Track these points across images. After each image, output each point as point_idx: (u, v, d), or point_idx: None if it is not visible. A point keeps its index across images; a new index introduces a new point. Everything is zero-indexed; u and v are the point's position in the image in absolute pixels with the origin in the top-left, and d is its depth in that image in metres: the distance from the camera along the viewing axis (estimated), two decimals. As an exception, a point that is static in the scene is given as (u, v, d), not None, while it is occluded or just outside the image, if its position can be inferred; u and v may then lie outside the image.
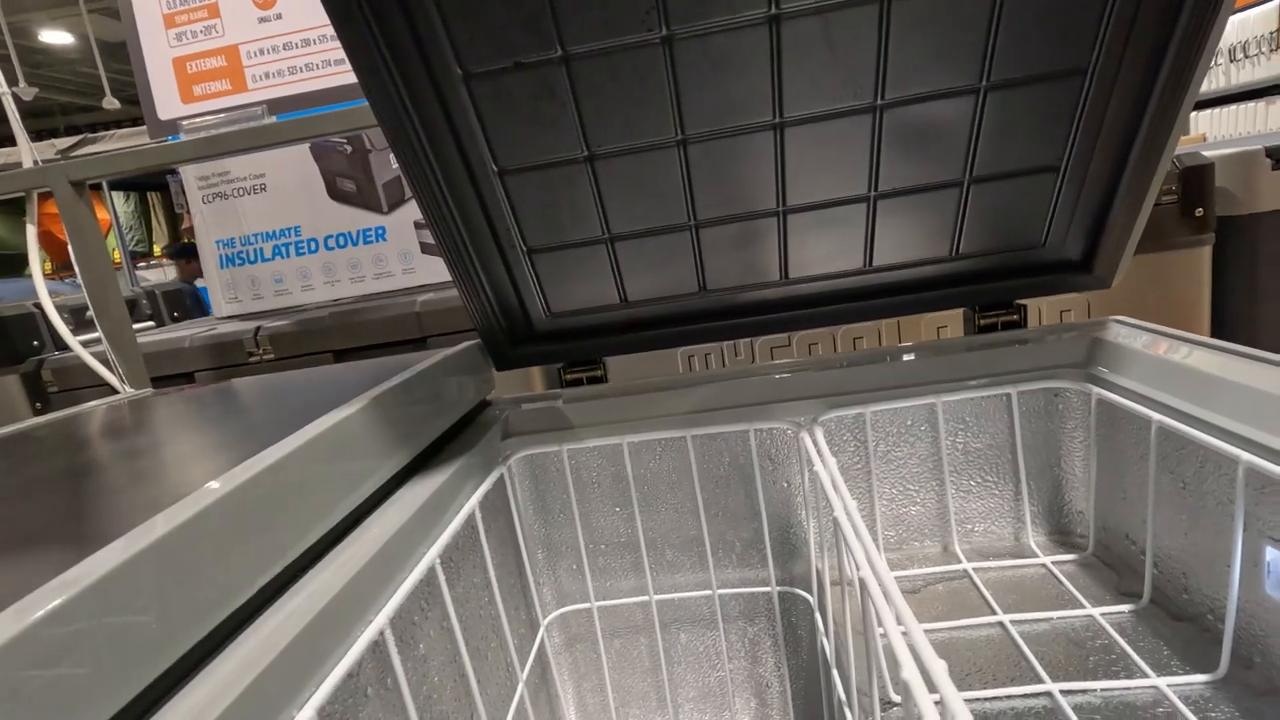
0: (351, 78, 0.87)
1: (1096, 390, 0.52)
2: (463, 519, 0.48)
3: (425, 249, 1.47)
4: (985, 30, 0.45)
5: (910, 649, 0.26)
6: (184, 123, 0.86)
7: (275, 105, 0.85)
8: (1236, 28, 4.10)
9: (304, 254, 1.49)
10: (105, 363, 0.98)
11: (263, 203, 1.45)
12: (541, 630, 0.61)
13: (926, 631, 0.50)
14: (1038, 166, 0.52)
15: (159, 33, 0.83)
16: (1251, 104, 4.13)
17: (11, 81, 0.89)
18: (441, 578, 0.43)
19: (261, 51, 0.82)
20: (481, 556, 0.52)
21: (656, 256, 0.58)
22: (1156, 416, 0.45)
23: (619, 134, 0.50)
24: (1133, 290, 1.02)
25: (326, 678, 0.31)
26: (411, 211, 1.45)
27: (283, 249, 1.49)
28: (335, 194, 1.45)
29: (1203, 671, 0.41)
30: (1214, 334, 1.06)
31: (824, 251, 0.58)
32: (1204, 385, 0.43)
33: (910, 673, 0.24)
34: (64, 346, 1.47)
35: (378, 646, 0.36)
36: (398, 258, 1.48)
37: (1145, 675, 0.41)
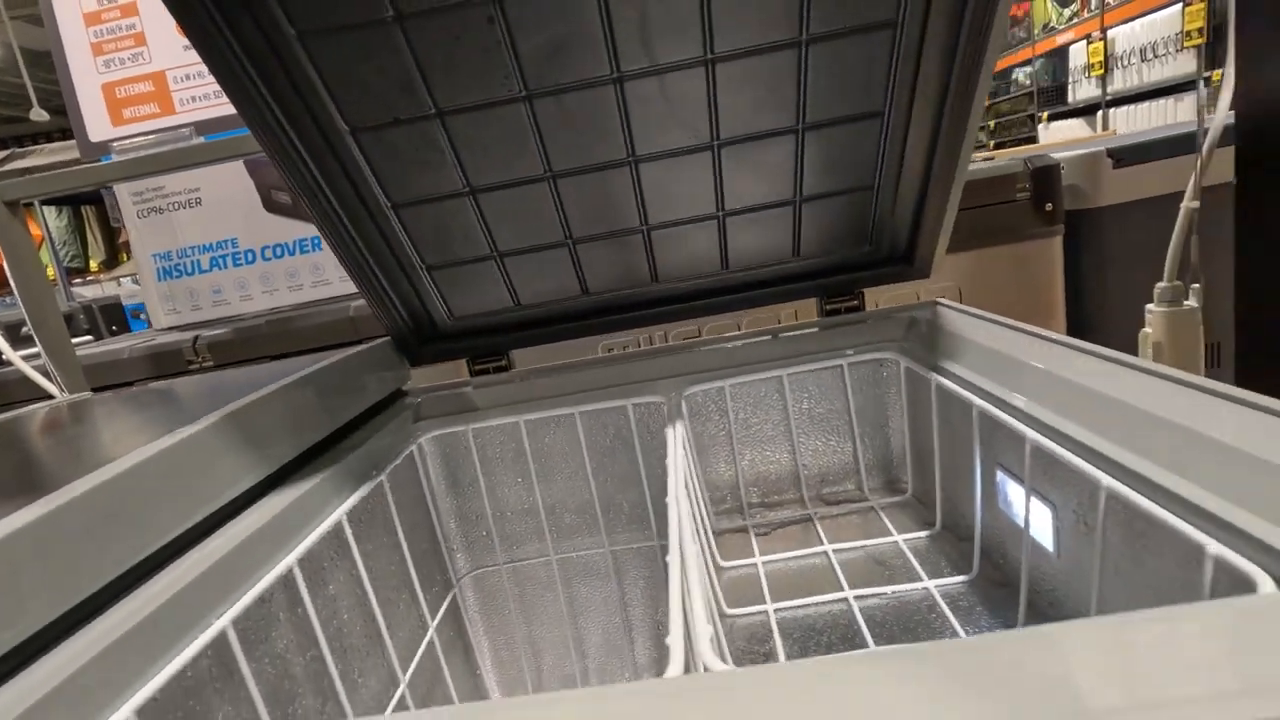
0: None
1: (904, 360, 0.63)
2: (370, 487, 0.56)
3: (361, 257, 1.53)
4: (795, 84, 0.55)
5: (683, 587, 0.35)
6: (115, 144, 0.91)
7: (203, 126, 0.91)
8: (1146, 29, 4.39)
9: (241, 265, 1.53)
10: (45, 374, 1.03)
11: (199, 216, 1.49)
12: (455, 589, 0.69)
13: (769, 563, 0.60)
14: (855, 187, 0.63)
15: (87, 60, 0.89)
16: (1161, 101, 4.43)
17: None
18: (349, 532, 0.51)
19: (188, 77, 0.88)
20: (391, 522, 0.60)
21: (542, 267, 0.67)
22: (934, 377, 0.56)
23: (496, 172, 0.59)
24: (995, 277, 1.16)
25: (240, 599, 0.39)
26: (347, 221, 1.51)
27: (220, 260, 1.53)
28: (271, 206, 1.50)
29: (962, 574, 0.51)
30: (1069, 312, 1.20)
31: (687, 258, 0.68)
32: (960, 347, 0.54)
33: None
34: (5, 362, 1.49)
35: (289, 581, 0.44)
36: (334, 265, 1.53)
37: (920, 579, 0.52)
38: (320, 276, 1.56)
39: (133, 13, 0.88)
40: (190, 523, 0.40)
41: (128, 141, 0.90)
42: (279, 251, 1.55)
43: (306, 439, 0.53)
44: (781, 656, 0.48)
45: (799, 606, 0.52)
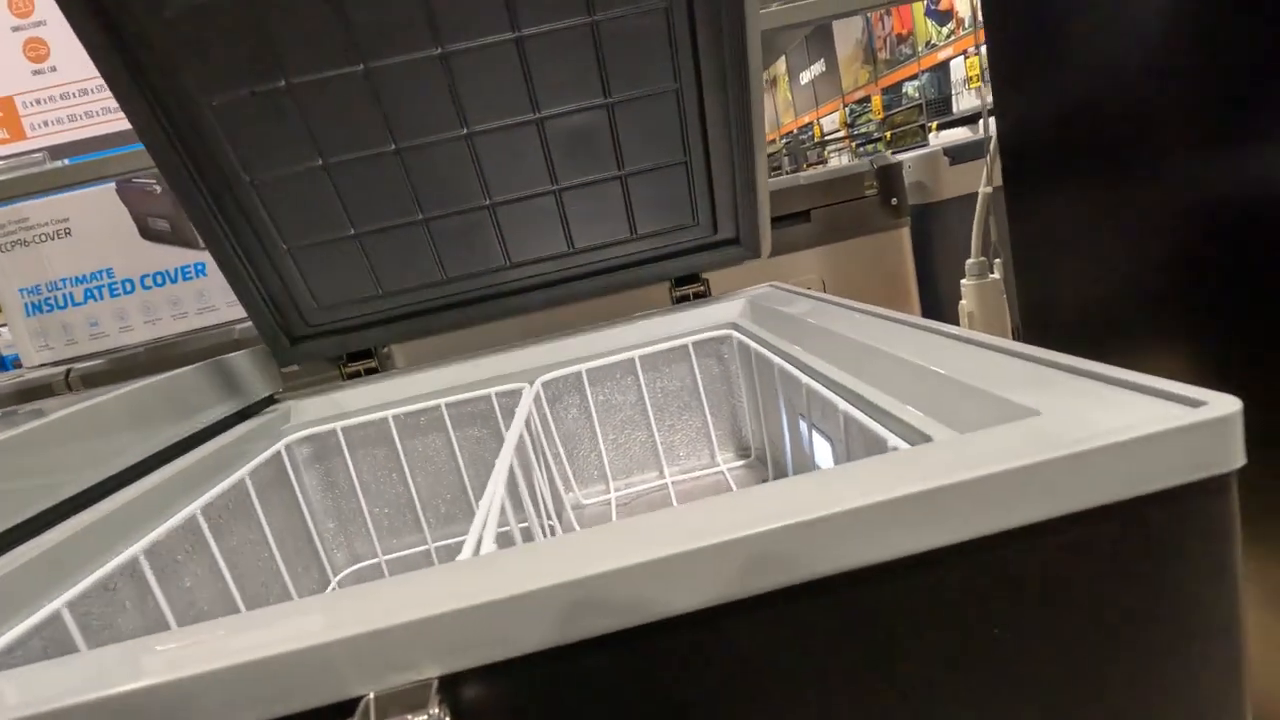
0: (128, 124, 0.93)
1: (737, 335, 0.70)
2: (230, 484, 0.58)
3: (249, 281, 1.51)
4: (595, 61, 0.62)
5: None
6: (-39, 172, 0.89)
7: (56, 151, 0.89)
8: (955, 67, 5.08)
9: (119, 295, 1.49)
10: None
11: (69, 247, 1.44)
12: (333, 585, 0.71)
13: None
14: (670, 162, 0.70)
15: (-74, 87, 0.86)
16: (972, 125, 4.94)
17: None
18: (204, 527, 0.53)
19: (38, 101, 0.87)
20: (256, 520, 0.62)
21: (401, 250, 0.71)
22: (753, 345, 0.63)
23: (347, 145, 0.64)
24: (853, 268, 1.26)
25: (78, 584, 0.41)
26: (232, 246, 1.49)
27: (95, 292, 1.48)
28: (148, 234, 1.46)
29: (781, 515, 0.58)
30: (922, 295, 1.32)
31: (534, 237, 0.73)
32: (776, 319, 0.61)
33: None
34: None
35: (134, 570, 0.46)
36: (221, 291, 1.51)
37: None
38: (206, 303, 1.53)
39: (-24, 38, 0.86)
40: (24, 515, 0.41)
41: (-25, 168, 0.88)
42: (160, 279, 1.51)
43: (160, 439, 0.55)
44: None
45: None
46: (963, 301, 0.91)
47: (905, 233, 1.28)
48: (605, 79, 0.63)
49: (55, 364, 1.45)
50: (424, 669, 0.21)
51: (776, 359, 0.55)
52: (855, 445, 0.42)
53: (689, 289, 0.79)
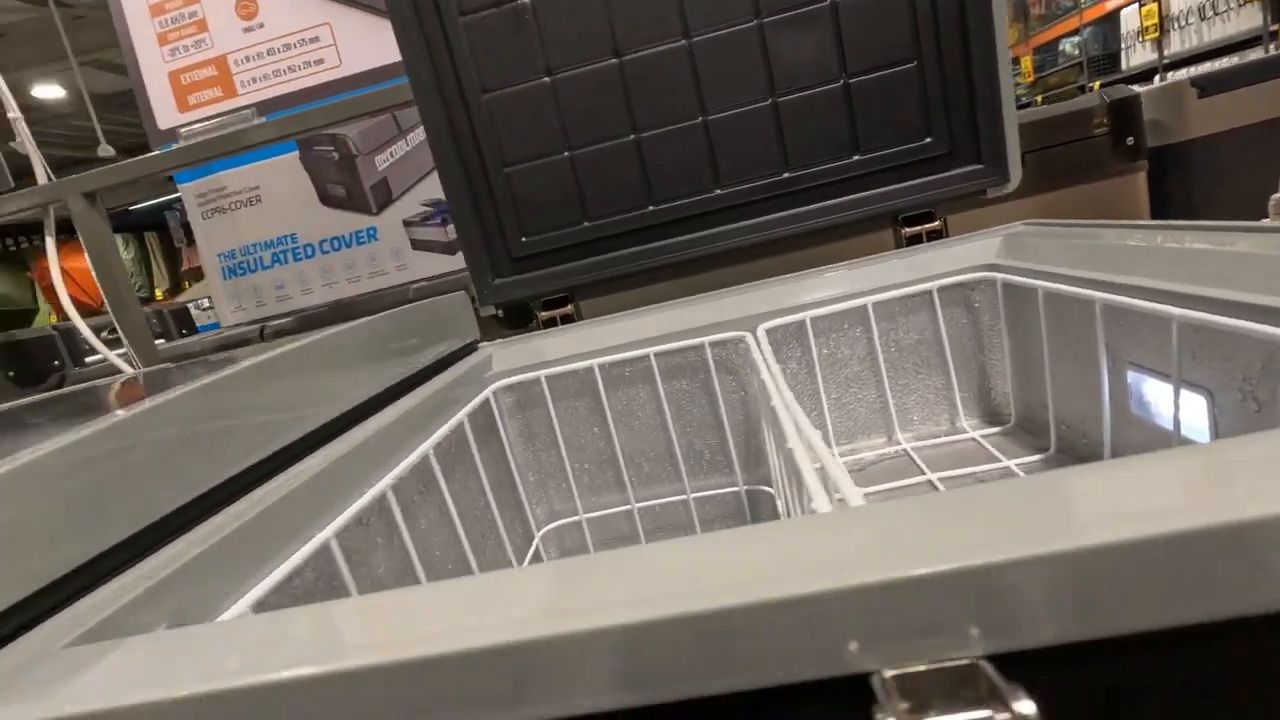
0: (330, 75, 0.95)
1: (1000, 277, 0.59)
2: (452, 426, 0.55)
3: (416, 245, 1.55)
4: None
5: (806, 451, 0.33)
6: (182, 130, 0.94)
7: (264, 106, 0.92)
8: (1127, 18, 4.20)
9: (301, 259, 1.57)
10: (130, 365, 1.06)
11: (259, 214, 1.53)
12: (536, 540, 0.68)
13: (864, 495, 0.57)
14: (898, 60, 0.60)
15: (154, 50, 0.91)
16: (1224, 60, 4.19)
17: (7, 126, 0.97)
18: (436, 468, 0.50)
19: (248, 59, 0.90)
20: (474, 467, 0.59)
21: (609, 171, 0.67)
22: (1041, 284, 0.52)
23: (573, 59, 0.62)
24: (1078, 217, 1.09)
25: (341, 514, 0.38)
26: (399, 211, 1.53)
27: (281, 256, 1.56)
28: (326, 199, 1.52)
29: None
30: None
31: (747, 155, 0.66)
32: (1061, 254, 0.50)
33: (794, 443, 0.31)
34: (81, 364, 1.56)
35: (384, 505, 0.43)
36: (390, 255, 1.56)
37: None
38: (376, 268, 1.59)
39: (194, 1, 0.90)
40: (285, 441, 0.39)
41: (194, 126, 0.93)
42: (336, 245, 1.58)
43: (390, 375, 0.53)
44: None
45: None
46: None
47: (1141, 178, 1.09)
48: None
49: (249, 323, 1.55)
50: (967, 640, 0.14)
51: (1100, 295, 0.44)
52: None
53: (921, 228, 0.69)
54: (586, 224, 0.70)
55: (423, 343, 0.61)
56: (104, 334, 1.69)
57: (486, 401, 0.64)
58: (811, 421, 0.67)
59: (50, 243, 1.01)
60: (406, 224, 1.53)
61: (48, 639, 0.22)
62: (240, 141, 0.91)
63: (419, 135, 1.49)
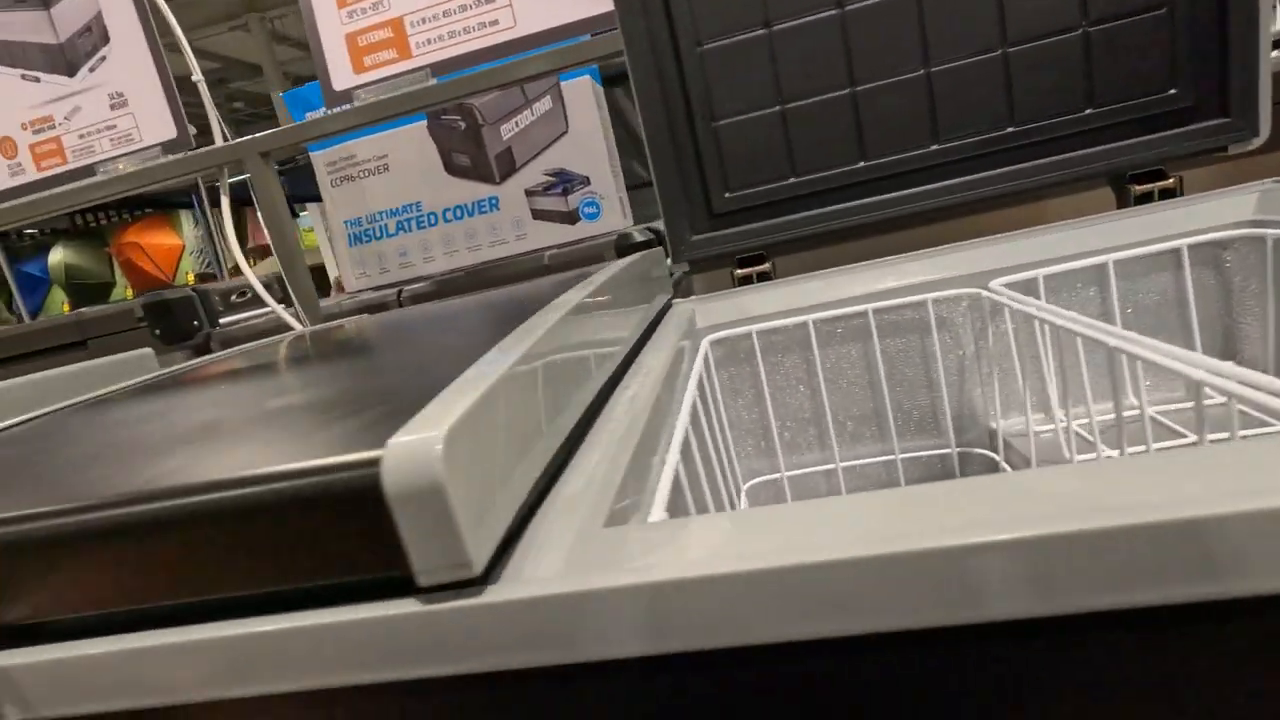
0: (504, 37, 0.96)
1: (1272, 233, 0.56)
2: (698, 376, 0.55)
3: (536, 215, 1.56)
4: None
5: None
6: (357, 91, 0.96)
7: (438, 68, 0.94)
8: None
9: (425, 228, 1.60)
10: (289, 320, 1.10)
11: (386, 182, 1.57)
12: (742, 496, 0.68)
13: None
14: (1148, 5, 0.57)
15: (332, 13, 0.93)
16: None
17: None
18: (687, 418, 0.50)
19: (423, 20, 0.92)
20: (698, 419, 0.59)
21: (821, 126, 0.65)
22: (1346, 235, 0.48)
23: (791, 10, 0.59)
24: None
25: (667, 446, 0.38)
26: (521, 180, 1.55)
27: (405, 224, 1.60)
28: (451, 169, 1.55)
29: None
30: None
31: (970, 109, 0.64)
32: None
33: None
34: (215, 325, 1.63)
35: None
36: (510, 225, 1.58)
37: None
38: (497, 237, 1.61)
39: (371, -37, 0.93)
40: (605, 375, 0.40)
41: (368, 87, 0.95)
42: (459, 213, 1.61)
43: (642, 320, 0.53)
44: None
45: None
46: None
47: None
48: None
49: (375, 288, 1.60)
50: None
51: None
52: None
53: (1154, 185, 0.65)
54: (793, 179, 0.69)
55: (651, 292, 0.61)
56: (233, 297, 1.76)
57: (705, 354, 0.64)
58: (1030, 387, 0.65)
59: (225, 202, 1.05)
60: (528, 193, 1.54)
61: (586, 520, 0.23)
62: (413, 103, 0.93)
63: (544, 105, 1.50)
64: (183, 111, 1.02)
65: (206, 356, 0.63)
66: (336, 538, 0.19)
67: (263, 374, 0.43)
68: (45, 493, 0.22)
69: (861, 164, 0.68)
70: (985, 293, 0.59)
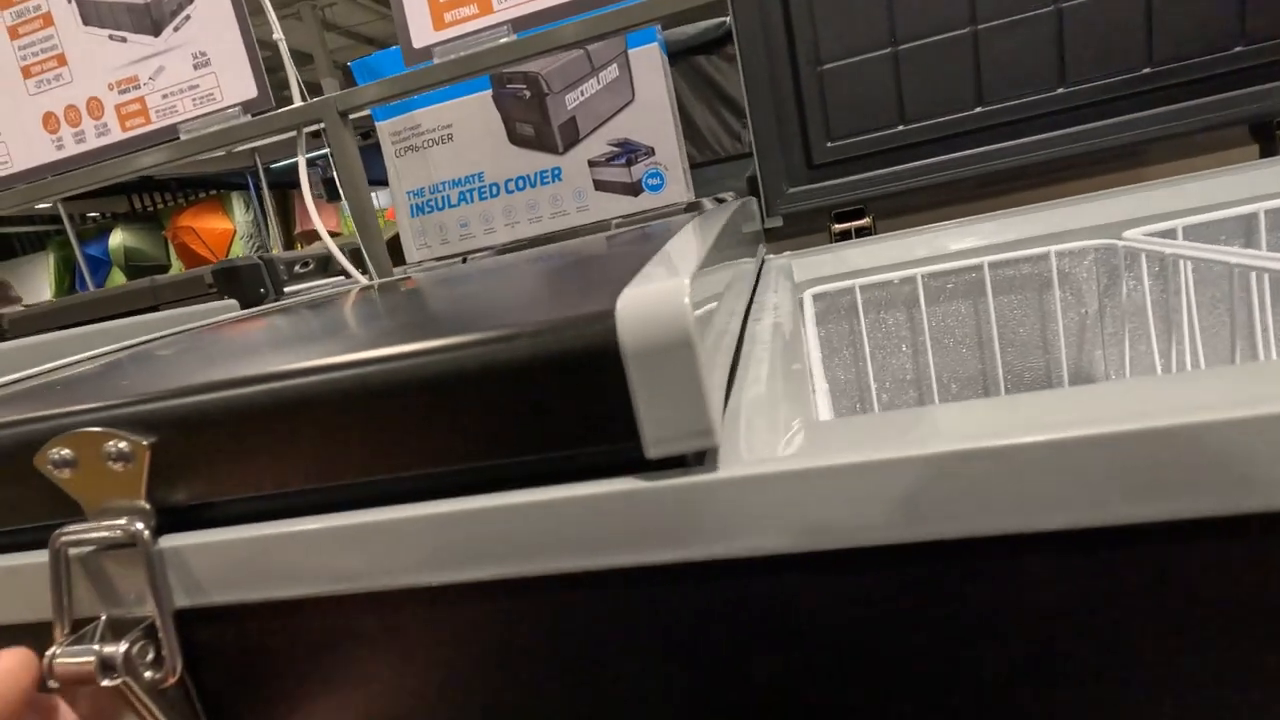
0: (586, -10, 0.94)
1: None
2: (811, 327, 0.52)
3: (599, 186, 1.54)
4: None
5: None
6: (436, 48, 0.95)
7: (519, 23, 0.92)
8: None
9: (486, 199, 1.60)
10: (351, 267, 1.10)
11: (449, 152, 1.56)
12: (838, 458, 0.65)
13: None
14: None
15: (412, -32, 0.92)
16: None
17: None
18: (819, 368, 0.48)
19: (503, -27, 0.90)
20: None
21: (935, 68, 0.61)
22: None
23: None
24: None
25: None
26: (584, 151, 1.53)
27: (467, 195, 1.60)
28: (515, 138, 1.54)
29: None
30: None
31: (1103, 48, 0.59)
32: None
33: None
34: (281, 293, 1.66)
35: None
36: (572, 196, 1.56)
37: None
38: (559, 208, 1.60)
39: (451, -83, 0.91)
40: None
41: (448, 44, 0.94)
42: (520, 184, 1.60)
43: (756, 262, 0.50)
44: None
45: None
46: None
47: None
48: None
49: (436, 259, 1.60)
50: None
51: None
52: None
53: (1305, 135, 0.60)
54: (901, 127, 0.65)
55: (754, 239, 0.59)
56: (297, 267, 1.78)
57: (806, 309, 0.61)
58: (1155, 355, 0.60)
59: (302, 162, 1.06)
60: (592, 164, 1.52)
61: (788, 415, 0.20)
62: (494, 59, 0.91)
63: (611, 73, 1.47)
64: (264, 70, 1.03)
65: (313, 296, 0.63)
66: (552, 407, 0.17)
67: (407, 294, 0.41)
68: (236, 368, 0.20)
69: (978, 109, 0.64)
70: (1120, 242, 0.55)
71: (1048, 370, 0.62)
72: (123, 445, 0.19)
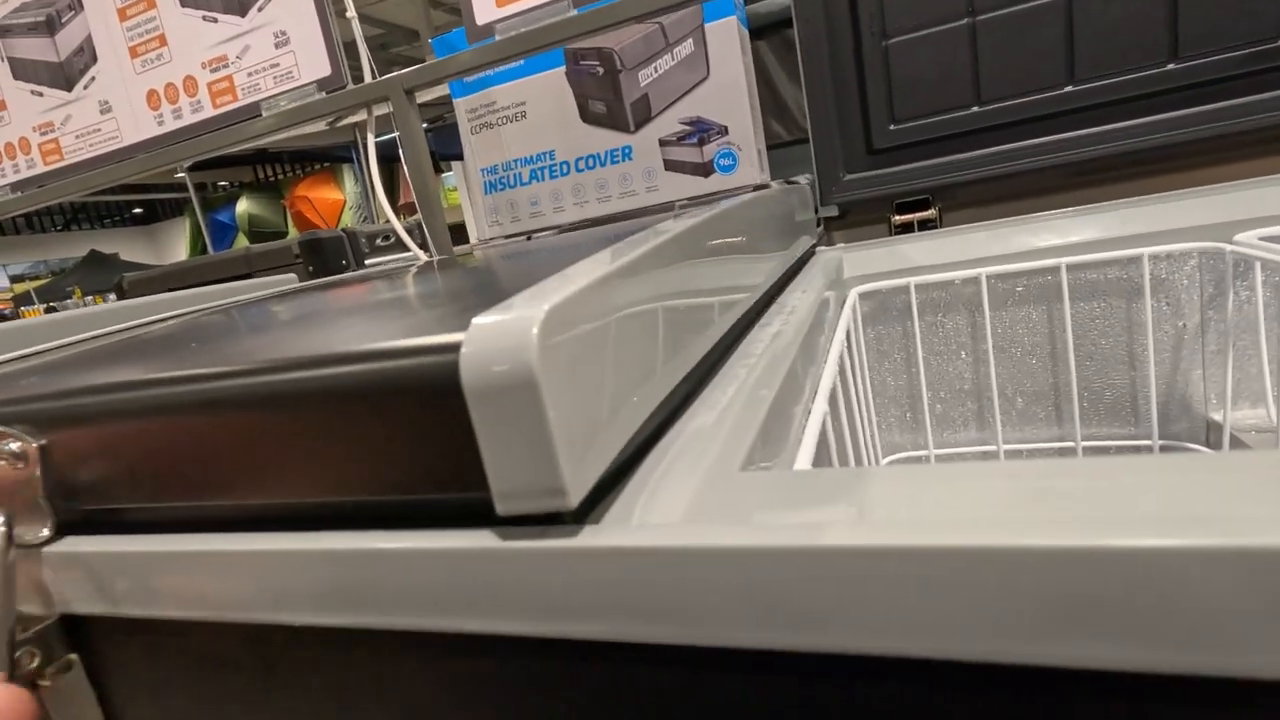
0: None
1: None
2: (845, 327, 0.48)
3: (669, 166, 1.50)
4: None
5: None
6: (498, 25, 0.94)
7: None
8: None
9: (557, 177, 1.59)
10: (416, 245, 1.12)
11: (522, 130, 1.56)
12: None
13: None
14: None
15: (478, -58, 0.91)
16: None
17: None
18: (838, 388, 0.43)
19: (566, -53, 0.87)
20: (846, 384, 0.52)
21: (1018, 41, 0.54)
22: None
23: None
24: None
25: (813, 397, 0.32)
26: (655, 130, 1.49)
27: (539, 173, 1.60)
28: (587, 116, 1.52)
29: None
30: None
31: (1223, 18, 0.50)
32: None
33: None
34: (361, 264, 1.72)
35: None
36: (642, 176, 1.53)
37: None
38: (628, 188, 1.57)
39: (518, -111, 0.89)
40: (741, 311, 0.34)
41: (510, 20, 0.93)
42: (591, 163, 1.58)
43: (784, 258, 0.46)
44: None
45: None
46: None
47: None
48: None
49: (506, 237, 1.62)
50: None
51: None
52: None
53: None
54: (976, 108, 0.58)
55: (796, 233, 0.54)
56: (379, 240, 1.85)
57: (853, 306, 0.56)
58: (1253, 375, 0.51)
59: (370, 138, 1.08)
60: (662, 143, 1.49)
61: (717, 462, 0.17)
62: (553, 35, 0.89)
63: (686, 48, 1.42)
64: (339, 49, 1.05)
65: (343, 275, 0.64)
66: (396, 440, 0.15)
67: (372, 285, 0.41)
68: (117, 372, 0.19)
69: (1069, 88, 0.56)
70: (1230, 246, 0.47)
71: (1133, 390, 0.55)
72: (15, 445, 0.19)
